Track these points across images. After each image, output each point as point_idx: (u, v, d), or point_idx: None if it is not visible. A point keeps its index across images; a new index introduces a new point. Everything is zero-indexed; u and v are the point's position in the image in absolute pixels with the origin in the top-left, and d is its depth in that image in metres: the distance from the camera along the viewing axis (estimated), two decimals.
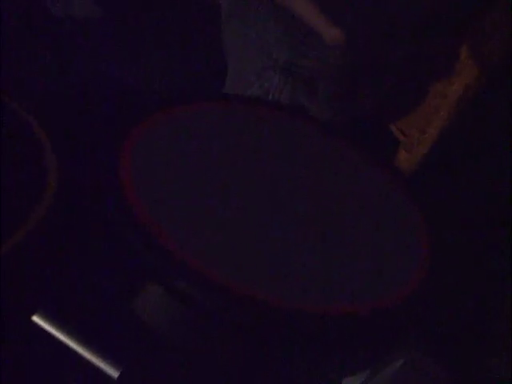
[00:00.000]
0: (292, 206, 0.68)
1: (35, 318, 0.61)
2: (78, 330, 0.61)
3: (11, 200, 0.58)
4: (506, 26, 0.95)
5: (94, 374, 0.62)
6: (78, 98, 1.04)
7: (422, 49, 0.89)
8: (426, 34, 0.87)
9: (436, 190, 1.02)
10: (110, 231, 0.60)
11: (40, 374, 0.62)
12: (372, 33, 0.84)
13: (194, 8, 1.10)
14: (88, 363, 0.62)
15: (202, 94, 0.76)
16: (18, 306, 0.59)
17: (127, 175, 0.63)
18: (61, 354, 0.62)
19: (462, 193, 1.03)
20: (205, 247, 0.60)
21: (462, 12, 0.89)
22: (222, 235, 0.61)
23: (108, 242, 0.60)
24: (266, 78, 0.86)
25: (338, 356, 0.61)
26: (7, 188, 0.59)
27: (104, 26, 1.19)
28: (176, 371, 0.64)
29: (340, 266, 0.65)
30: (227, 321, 0.57)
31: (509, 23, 0.94)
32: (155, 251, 0.58)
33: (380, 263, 0.67)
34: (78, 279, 0.61)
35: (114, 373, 0.62)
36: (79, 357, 0.62)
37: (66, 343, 0.62)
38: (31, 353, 0.62)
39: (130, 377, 0.63)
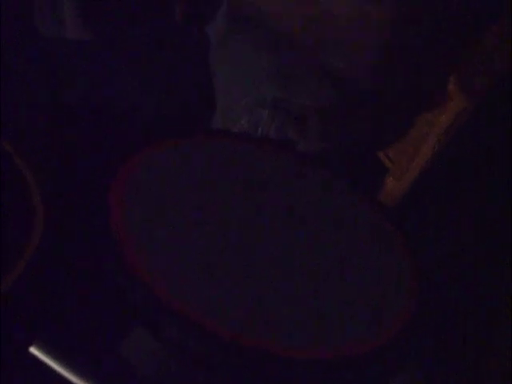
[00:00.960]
0: (280, 245, 0.68)
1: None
2: (70, 366, 0.61)
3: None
4: (495, 58, 0.96)
5: None
6: (68, 124, 1.04)
7: (413, 80, 0.89)
8: (418, 66, 0.88)
9: (424, 219, 1.02)
10: (99, 274, 0.60)
11: None
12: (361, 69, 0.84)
13: (185, 38, 1.10)
14: None
15: (190, 127, 0.77)
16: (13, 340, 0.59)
17: (117, 216, 0.63)
18: None
19: (450, 222, 1.03)
20: (194, 292, 0.60)
21: (453, 44, 0.90)
22: (210, 280, 0.61)
23: (97, 284, 0.60)
24: (255, 114, 0.86)
25: None
26: None
27: (94, 49, 1.19)
28: None
29: (327, 307, 0.65)
30: (215, 366, 0.57)
31: (498, 56, 0.95)
32: (144, 295, 0.58)
33: (366, 303, 0.67)
34: (66, 318, 0.61)
35: None
36: None
37: (62, 375, 0.62)
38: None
39: None
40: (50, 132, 0.99)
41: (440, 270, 0.93)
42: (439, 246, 1.00)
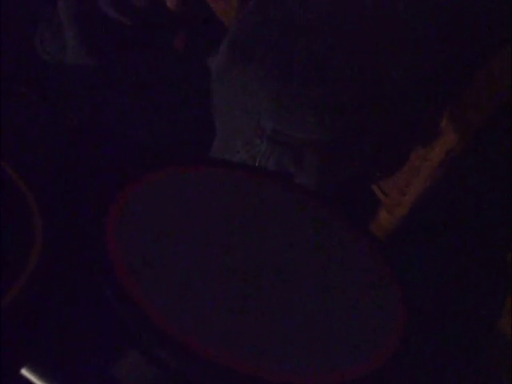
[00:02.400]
0: (273, 274, 0.69)
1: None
2: None
3: None
4: (487, 95, 0.97)
5: None
6: (68, 148, 1.06)
7: (408, 116, 0.91)
8: (412, 103, 0.89)
9: (414, 252, 1.04)
10: (94, 298, 0.61)
11: None
12: (359, 104, 0.86)
13: (185, 68, 1.12)
14: None
15: (189, 156, 0.78)
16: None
17: (113, 239, 0.64)
18: None
19: (441, 256, 1.04)
20: (188, 317, 0.61)
21: (447, 82, 0.91)
22: (205, 305, 0.62)
23: (92, 307, 0.61)
24: (253, 146, 0.87)
25: None
26: None
27: (95, 75, 1.21)
28: None
29: (319, 335, 0.66)
30: None
31: (490, 92, 0.96)
32: (139, 320, 0.59)
33: (355, 331, 0.68)
34: (61, 339, 0.62)
35: None
36: None
37: None
38: None
39: None
40: (49, 155, 1.01)
41: (428, 301, 0.94)
42: (428, 279, 1.01)
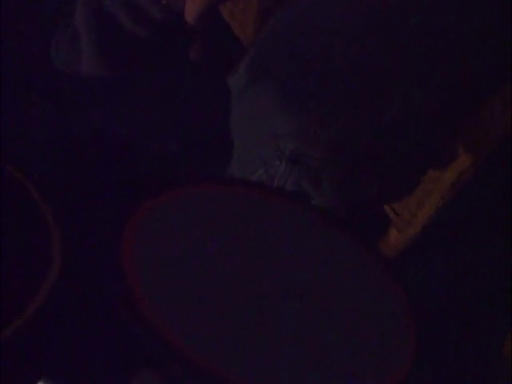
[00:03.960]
0: (286, 293, 0.70)
1: None
2: None
3: (15, 276, 0.59)
4: (502, 118, 0.98)
5: None
6: (78, 158, 1.06)
7: (423, 139, 0.91)
8: (427, 126, 0.90)
9: (424, 272, 1.04)
10: (110, 314, 0.61)
11: None
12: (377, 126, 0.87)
13: (201, 80, 1.12)
14: None
15: (205, 174, 0.78)
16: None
17: (129, 259, 0.64)
18: None
19: (451, 276, 1.04)
20: (204, 337, 0.61)
21: (461, 104, 0.92)
22: (220, 324, 0.63)
23: (106, 324, 0.61)
24: (272, 166, 0.87)
25: None
26: (11, 264, 0.60)
27: (108, 85, 1.21)
28: None
29: (330, 355, 0.66)
30: None
31: (505, 116, 0.97)
32: (153, 338, 0.59)
33: (365, 353, 0.69)
34: (75, 357, 0.62)
35: None
36: None
37: None
38: None
39: None
40: (62, 166, 1.01)
41: (439, 322, 0.94)
42: (438, 299, 1.01)
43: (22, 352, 0.58)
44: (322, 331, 0.68)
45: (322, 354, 0.66)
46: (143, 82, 1.18)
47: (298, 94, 0.85)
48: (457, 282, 1.06)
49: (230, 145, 0.93)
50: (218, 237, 0.71)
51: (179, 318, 0.62)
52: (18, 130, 1.05)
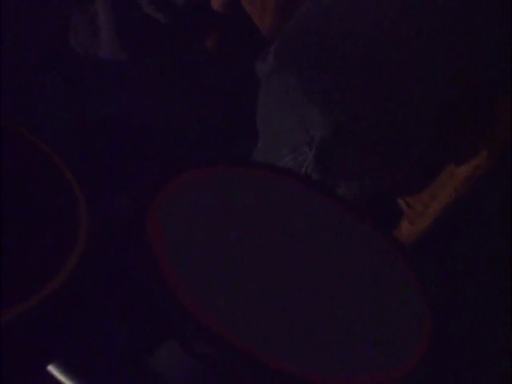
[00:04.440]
0: (303, 275, 0.71)
1: (51, 368, 0.63)
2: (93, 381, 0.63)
3: (44, 250, 0.60)
4: None
5: None
6: (97, 140, 1.07)
7: (438, 132, 0.92)
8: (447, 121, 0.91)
9: (433, 265, 1.04)
10: (135, 285, 0.62)
11: None
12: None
13: (218, 68, 1.13)
14: None
15: (234, 157, 0.79)
16: (34, 355, 0.61)
17: (155, 232, 0.65)
18: None
19: (460, 270, 1.05)
20: (227, 310, 0.62)
21: (481, 99, 0.93)
22: (245, 300, 0.64)
23: (132, 295, 0.62)
24: (301, 153, 0.88)
25: None
26: (40, 239, 0.61)
27: (126, 69, 1.22)
28: None
29: (342, 336, 0.68)
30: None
31: None
32: (179, 311, 0.60)
33: (380, 336, 0.70)
34: (98, 330, 0.63)
35: None
36: None
37: None
38: None
39: None
40: (79, 150, 1.02)
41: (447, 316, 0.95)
42: (446, 292, 1.02)
43: (40, 328, 0.59)
44: (336, 315, 0.70)
45: (336, 340, 0.67)
46: (162, 66, 1.19)
47: (325, 83, 0.86)
48: (467, 275, 1.06)
49: (254, 130, 0.93)
50: (241, 216, 0.73)
51: (204, 291, 0.63)
52: (39, 114, 1.06)
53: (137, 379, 0.62)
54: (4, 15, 1.23)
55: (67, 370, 0.62)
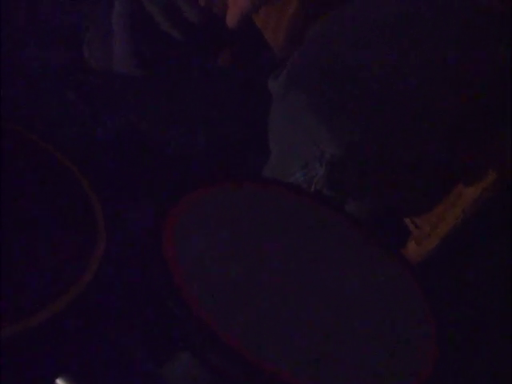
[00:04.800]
0: (313, 290, 0.72)
1: (61, 380, 0.63)
2: None
3: (62, 261, 0.61)
4: None
5: None
6: (109, 154, 1.07)
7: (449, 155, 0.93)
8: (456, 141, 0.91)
9: (439, 286, 1.05)
10: (149, 296, 0.63)
11: None
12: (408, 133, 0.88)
13: (230, 85, 1.13)
14: None
15: (245, 173, 0.80)
16: (45, 366, 0.61)
17: (170, 245, 0.66)
18: None
19: (466, 291, 1.06)
20: (241, 323, 0.63)
21: (490, 120, 0.94)
22: (258, 313, 0.65)
23: (146, 305, 0.63)
24: (311, 169, 0.89)
25: None
26: (58, 247, 0.61)
27: (139, 84, 1.23)
28: None
29: (348, 354, 0.68)
30: None
31: None
32: (193, 323, 0.61)
33: (386, 355, 0.70)
34: (112, 341, 0.64)
35: None
36: None
37: None
38: None
39: None
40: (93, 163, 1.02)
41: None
42: (451, 313, 1.03)
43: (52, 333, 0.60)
44: (345, 331, 0.70)
45: (343, 353, 0.68)
46: (175, 82, 1.20)
47: (336, 102, 0.87)
48: (471, 297, 1.07)
49: (264, 145, 0.94)
50: (252, 231, 0.74)
51: (218, 303, 0.64)
52: (52, 126, 1.07)
53: None
54: (20, 26, 1.24)
55: (78, 381, 0.63)
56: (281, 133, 0.93)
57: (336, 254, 0.78)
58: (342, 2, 0.99)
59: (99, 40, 1.27)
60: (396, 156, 0.90)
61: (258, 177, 0.90)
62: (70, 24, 1.33)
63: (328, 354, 0.67)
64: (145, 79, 1.21)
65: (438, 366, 0.71)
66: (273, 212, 0.77)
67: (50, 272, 0.61)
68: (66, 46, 1.30)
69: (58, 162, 0.69)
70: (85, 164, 0.73)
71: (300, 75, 0.90)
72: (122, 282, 0.63)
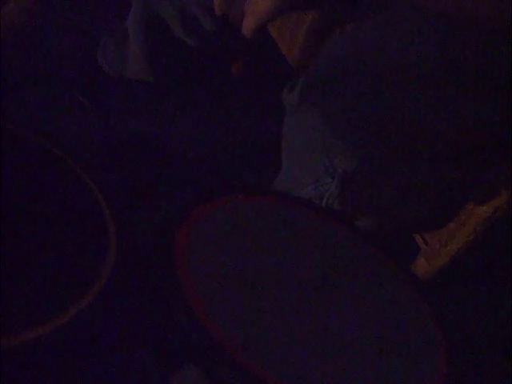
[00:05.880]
0: (322, 305, 0.72)
1: None
2: None
3: (73, 268, 0.60)
4: None
5: None
6: (122, 159, 1.07)
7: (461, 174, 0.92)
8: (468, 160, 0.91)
9: (449, 303, 1.05)
10: (159, 307, 0.62)
11: None
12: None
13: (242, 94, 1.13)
14: None
15: (254, 186, 0.80)
16: (53, 375, 0.61)
17: (181, 258, 0.66)
18: None
19: (473, 310, 1.05)
20: (248, 337, 0.62)
21: (500, 140, 0.93)
22: (266, 326, 0.64)
23: (155, 315, 0.62)
24: (323, 183, 0.89)
25: None
26: (69, 256, 0.61)
27: (152, 90, 1.23)
28: None
29: (356, 370, 0.68)
30: None
31: None
32: (201, 336, 0.60)
33: (395, 371, 0.70)
34: (118, 351, 0.63)
35: None
36: None
37: None
38: None
39: None
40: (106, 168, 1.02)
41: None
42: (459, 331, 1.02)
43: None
44: (352, 345, 0.70)
45: (352, 369, 0.68)
46: (187, 89, 1.20)
47: (349, 118, 0.87)
48: (478, 316, 1.07)
49: (276, 157, 0.94)
50: (262, 244, 0.73)
51: (225, 316, 0.63)
52: (65, 131, 1.07)
53: None
54: (35, 32, 1.24)
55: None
56: (293, 146, 0.92)
57: (345, 269, 0.77)
58: (358, 17, 0.99)
59: (114, 45, 1.28)
60: (408, 173, 0.89)
61: (268, 190, 0.89)
62: (84, 29, 1.33)
63: (335, 369, 0.66)
64: (158, 85, 1.21)
65: (446, 382, 0.71)
66: (283, 225, 0.77)
67: (59, 281, 0.60)
68: (80, 51, 1.30)
69: (69, 169, 0.69)
70: (96, 170, 0.72)
71: (315, 90, 0.89)
72: (131, 293, 0.62)
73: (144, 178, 0.97)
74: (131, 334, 0.62)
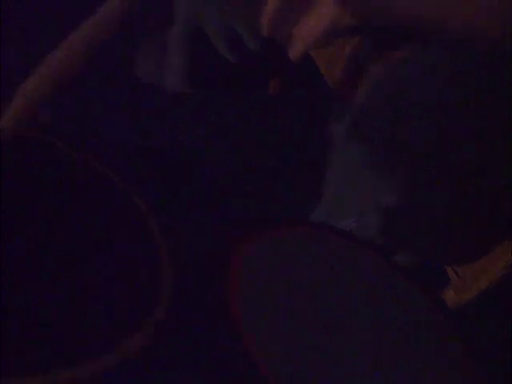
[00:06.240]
0: (358, 335, 0.73)
1: None
2: None
3: (129, 303, 0.60)
4: None
5: None
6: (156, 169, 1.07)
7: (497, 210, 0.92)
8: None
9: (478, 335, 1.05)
10: (212, 343, 0.62)
11: None
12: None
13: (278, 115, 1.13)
14: None
15: (300, 218, 0.81)
16: None
17: (232, 289, 0.66)
18: None
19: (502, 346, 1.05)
20: (292, 374, 0.63)
21: None
22: (309, 364, 0.65)
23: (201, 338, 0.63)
24: (366, 218, 0.90)
25: None
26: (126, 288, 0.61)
27: (189, 102, 1.23)
28: None
29: None
30: None
31: None
32: (246, 366, 0.61)
33: None
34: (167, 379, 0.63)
35: None
36: None
37: None
38: None
39: None
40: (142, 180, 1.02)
41: None
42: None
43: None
44: (384, 375, 0.71)
45: None
46: (224, 105, 1.20)
47: (398, 154, 0.87)
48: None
49: (318, 185, 0.94)
50: (306, 276, 0.75)
51: (271, 348, 0.64)
52: (97, 138, 1.07)
53: None
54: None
55: None
56: (336, 178, 0.93)
57: (384, 301, 0.79)
58: (403, 44, 0.99)
59: (151, 55, 1.27)
60: (449, 210, 0.89)
61: (307, 221, 0.90)
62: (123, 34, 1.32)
63: None
64: (194, 98, 1.21)
65: None
66: (324, 258, 0.78)
67: (115, 316, 0.60)
68: (118, 58, 1.30)
69: (115, 188, 0.68)
70: (136, 185, 0.72)
71: (361, 126, 0.90)
72: (185, 327, 0.63)
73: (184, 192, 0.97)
74: (177, 353, 0.62)
